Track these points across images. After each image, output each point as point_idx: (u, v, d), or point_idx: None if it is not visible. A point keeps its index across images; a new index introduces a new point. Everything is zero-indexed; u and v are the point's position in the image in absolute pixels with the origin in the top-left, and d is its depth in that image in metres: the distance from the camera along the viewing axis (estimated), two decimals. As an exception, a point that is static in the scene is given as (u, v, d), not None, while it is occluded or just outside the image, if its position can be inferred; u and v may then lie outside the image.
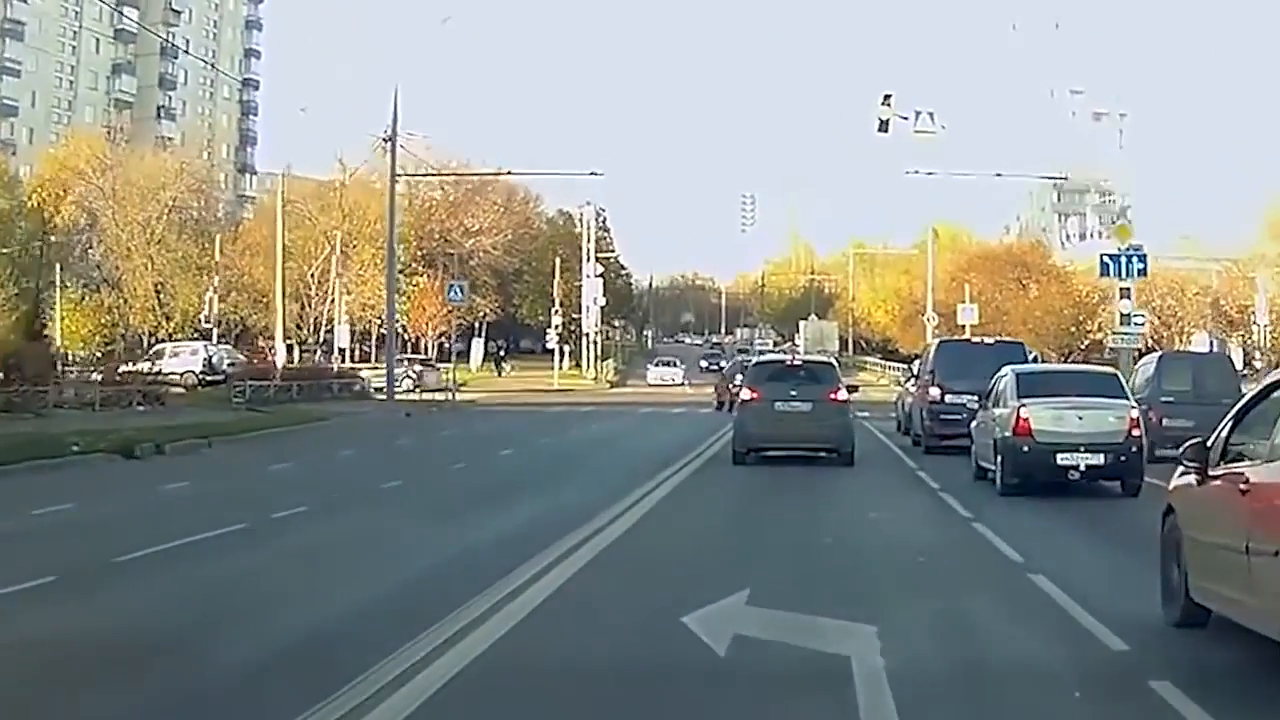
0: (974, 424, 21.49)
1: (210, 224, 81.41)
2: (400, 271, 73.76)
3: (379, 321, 73.35)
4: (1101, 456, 17.90)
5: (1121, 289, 37.89)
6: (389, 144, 40.86)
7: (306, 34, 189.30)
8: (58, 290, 67.77)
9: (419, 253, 74.21)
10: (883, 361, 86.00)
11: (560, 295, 71.74)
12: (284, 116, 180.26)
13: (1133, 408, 18.76)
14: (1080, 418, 18.29)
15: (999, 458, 18.44)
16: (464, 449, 26.63)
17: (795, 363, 26.55)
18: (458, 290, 48.09)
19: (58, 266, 70.02)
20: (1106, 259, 37.83)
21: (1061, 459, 17.82)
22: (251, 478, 20.42)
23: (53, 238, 76.83)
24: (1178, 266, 72.87)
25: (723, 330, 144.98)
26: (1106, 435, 18.08)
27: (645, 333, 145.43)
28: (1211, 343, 70.22)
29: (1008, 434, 18.23)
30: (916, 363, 37.02)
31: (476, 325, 79.82)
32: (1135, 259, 38.02)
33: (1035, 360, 34.90)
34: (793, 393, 22.26)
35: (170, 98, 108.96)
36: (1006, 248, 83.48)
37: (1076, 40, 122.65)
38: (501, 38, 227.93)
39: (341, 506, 15.91)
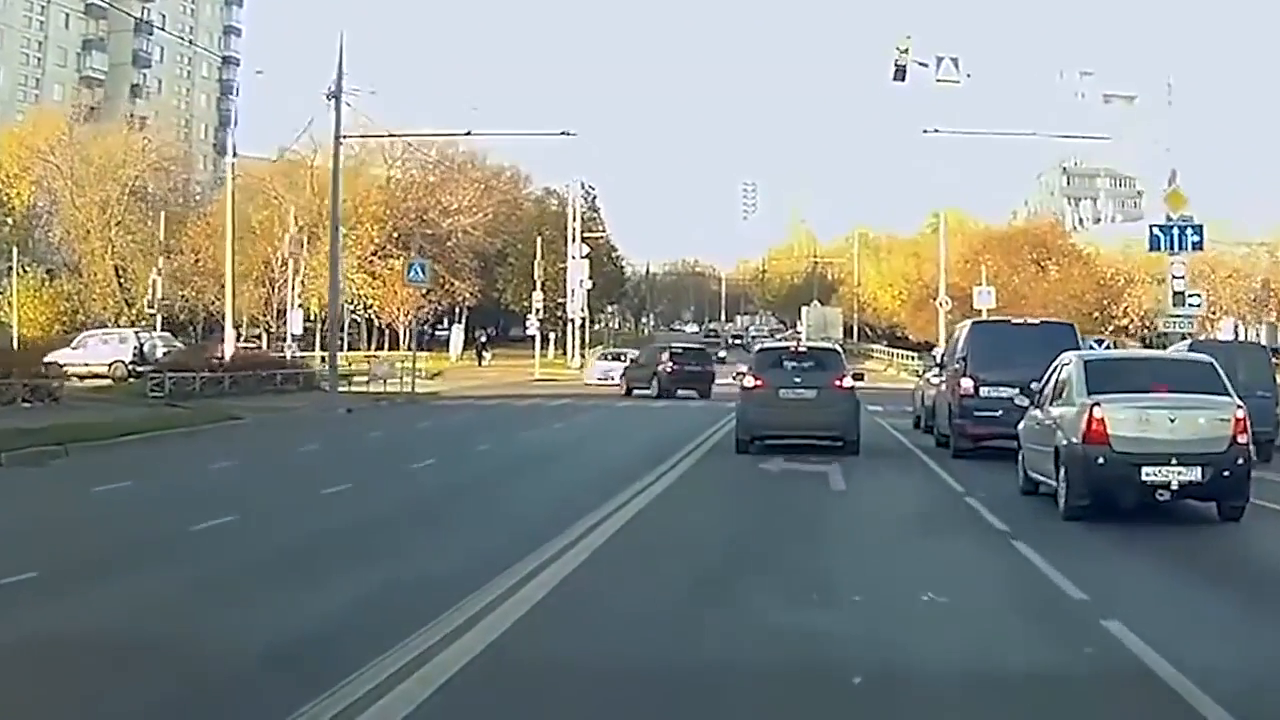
0: (1023, 426, 16.31)
1: (179, 205, 76.50)
2: (373, 254, 68.39)
3: (351, 307, 68.06)
4: (1199, 471, 13.09)
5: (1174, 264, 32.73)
6: (333, 101, 35.30)
7: (289, 9, 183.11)
8: (14, 275, 62.86)
9: (394, 233, 68.51)
10: (889, 349, 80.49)
11: (542, 277, 65.37)
12: (266, 96, 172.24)
13: (1238, 406, 13.78)
14: (1172, 420, 13.41)
15: (1062, 471, 13.66)
16: (373, 460, 20.97)
17: (799, 349, 24.62)
18: (418, 270, 42.54)
19: (14, 250, 64.99)
20: (1157, 231, 32.85)
21: (1148, 474, 13.06)
22: (54, 507, 14.86)
23: (10, 220, 72.20)
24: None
25: (722, 318, 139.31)
26: (1205, 443, 13.28)
27: (644, 321, 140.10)
28: (1237, 329, 65.36)
29: (1074, 441, 13.48)
30: (938, 350, 31.57)
31: (457, 311, 73.86)
32: (1190, 230, 32.92)
33: (1107, 346, 29.35)
34: (797, 380, 21.53)
35: (145, 76, 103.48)
36: (1023, 227, 77.35)
37: (1086, 24, 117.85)
38: (496, 19, 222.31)
39: (102, 566, 10.19)
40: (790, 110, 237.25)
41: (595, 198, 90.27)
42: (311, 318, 68.03)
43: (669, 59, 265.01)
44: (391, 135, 50.08)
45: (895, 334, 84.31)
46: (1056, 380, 15.54)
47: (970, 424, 21.47)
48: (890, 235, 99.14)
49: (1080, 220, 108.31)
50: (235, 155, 48.35)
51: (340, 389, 38.06)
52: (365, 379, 40.83)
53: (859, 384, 22.76)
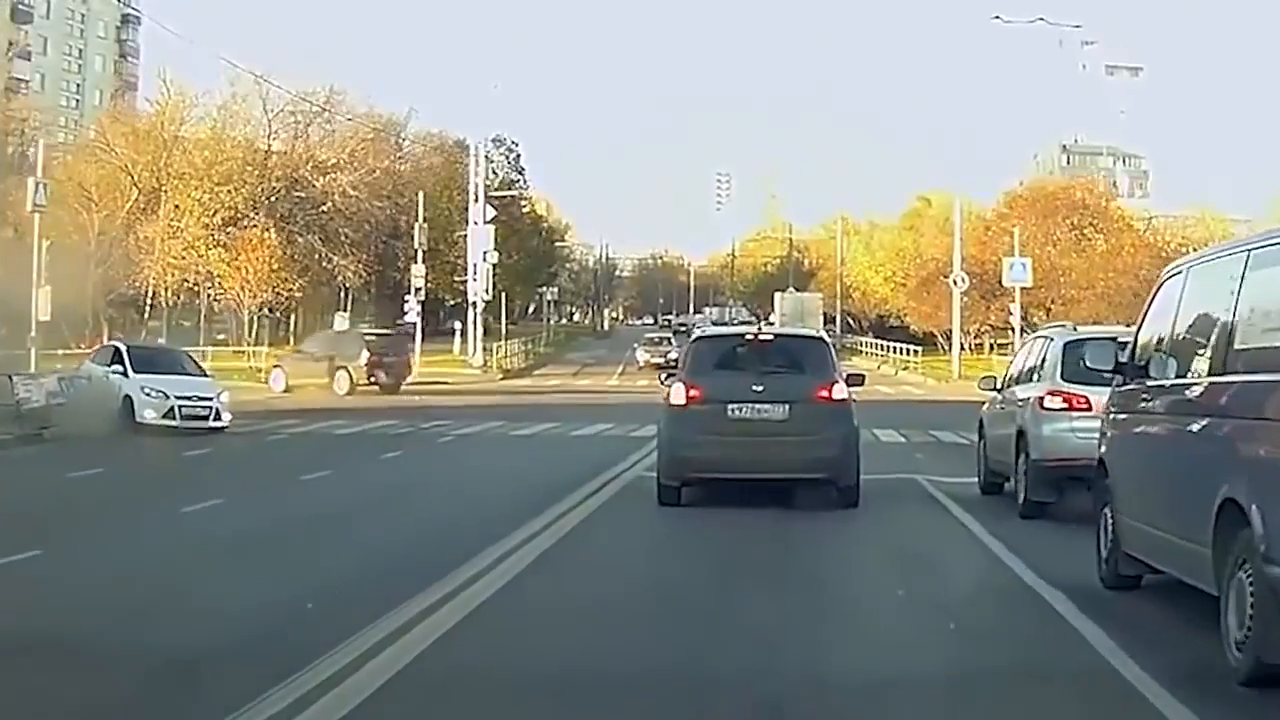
0: None
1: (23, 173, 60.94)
2: (229, 222, 52.43)
3: (209, 289, 52.26)
4: None
5: None
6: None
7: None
8: None
9: (259, 197, 52.11)
10: (879, 341, 64.04)
11: (426, 245, 47.80)
12: (171, 58, 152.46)
13: None
14: None
15: None
16: None
17: (761, 338, 13.76)
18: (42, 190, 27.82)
19: None
20: None
21: None
22: None
23: None
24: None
25: (691, 310, 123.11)
26: None
27: (605, 313, 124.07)
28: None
29: None
30: (1085, 328, 14.96)
31: (342, 296, 57.00)
32: None
33: None
34: (757, 388, 12.43)
35: (25, 33, 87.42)
36: (1058, 187, 60.50)
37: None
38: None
39: None
40: (764, 100, 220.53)
41: (519, 156, 73.18)
42: (157, 302, 52.18)
43: (642, 52, 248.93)
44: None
45: (886, 324, 68.03)
46: None
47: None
48: (873, 223, 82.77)
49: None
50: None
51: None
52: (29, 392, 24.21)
53: (856, 390, 13.40)
